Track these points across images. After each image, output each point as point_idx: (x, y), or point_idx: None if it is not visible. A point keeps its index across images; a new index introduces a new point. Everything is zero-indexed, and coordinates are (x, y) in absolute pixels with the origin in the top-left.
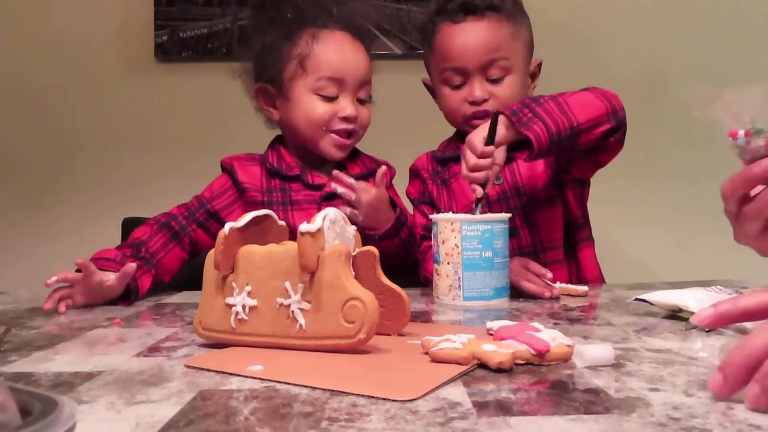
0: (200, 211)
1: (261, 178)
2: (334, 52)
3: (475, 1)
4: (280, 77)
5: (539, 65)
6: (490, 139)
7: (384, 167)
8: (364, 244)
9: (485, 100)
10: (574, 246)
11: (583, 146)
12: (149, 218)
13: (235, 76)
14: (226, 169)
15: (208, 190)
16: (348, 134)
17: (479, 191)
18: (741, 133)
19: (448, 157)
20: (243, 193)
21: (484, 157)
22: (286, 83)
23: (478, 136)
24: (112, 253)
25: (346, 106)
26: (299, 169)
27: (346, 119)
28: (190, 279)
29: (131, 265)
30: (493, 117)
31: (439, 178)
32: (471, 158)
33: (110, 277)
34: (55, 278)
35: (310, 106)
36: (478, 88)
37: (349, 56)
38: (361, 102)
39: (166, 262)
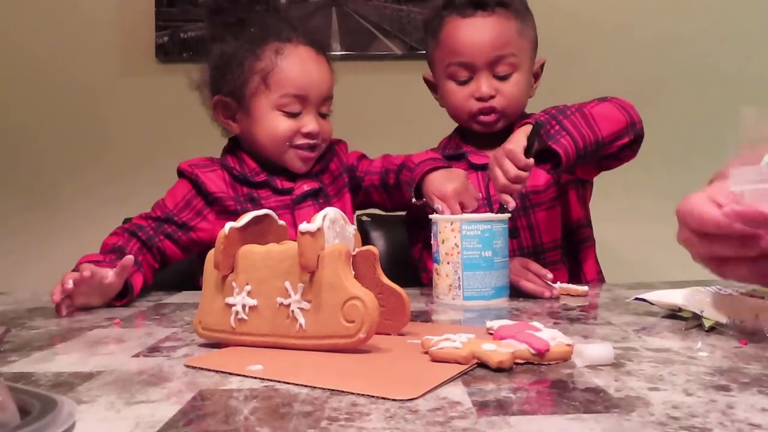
0: (168, 223)
1: (227, 185)
2: (298, 68)
3: None
4: (241, 91)
5: (542, 65)
6: (528, 151)
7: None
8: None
9: (492, 97)
10: (576, 247)
11: (602, 158)
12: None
13: (193, 86)
14: (188, 177)
15: (170, 199)
16: (311, 148)
17: (512, 204)
18: None
19: (448, 155)
20: (213, 203)
21: (525, 170)
22: (247, 98)
23: (519, 147)
24: (99, 256)
25: (308, 122)
26: (266, 174)
27: (309, 135)
28: (185, 279)
29: (129, 257)
30: (534, 128)
31: None
32: (512, 169)
33: (108, 274)
34: (59, 291)
35: (272, 123)
36: (485, 84)
37: (313, 73)
38: (323, 116)
39: (144, 268)
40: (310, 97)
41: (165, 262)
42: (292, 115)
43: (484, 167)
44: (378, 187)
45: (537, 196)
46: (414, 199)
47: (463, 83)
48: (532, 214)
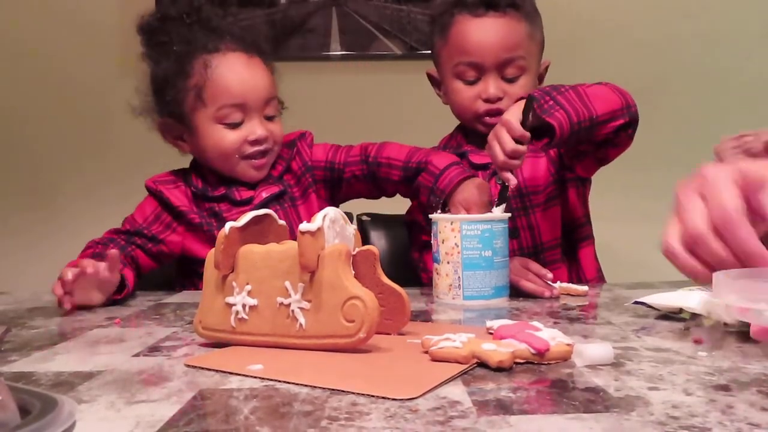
0: (137, 236)
1: (190, 201)
2: (229, 77)
3: None
4: (180, 111)
5: (546, 67)
6: (524, 123)
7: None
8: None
9: (499, 99)
10: (575, 245)
11: (596, 139)
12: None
13: (135, 113)
14: (154, 193)
15: (139, 214)
16: (262, 154)
17: (513, 181)
18: None
19: None
20: (180, 216)
21: (522, 141)
22: (187, 116)
23: (514, 117)
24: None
25: (254, 128)
26: (224, 187)
27: (256, 142)
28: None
29: (114, 251)
30: (528, 100)
31: None
32: (509, 142)
33: (102, 268)
34: (59, 284)
35: (217, 137)
36: (492, 86)
37: (246, 78)
38: (269, 119)
39: (129, 266)
40: (248, 103)
41: (139, 271)
42: (235, 126)
43: (484, 167)
44: (361, 178)
45: (536, 196)
46: (440, 211)
47: (470, 83)
48: (532, 214)
